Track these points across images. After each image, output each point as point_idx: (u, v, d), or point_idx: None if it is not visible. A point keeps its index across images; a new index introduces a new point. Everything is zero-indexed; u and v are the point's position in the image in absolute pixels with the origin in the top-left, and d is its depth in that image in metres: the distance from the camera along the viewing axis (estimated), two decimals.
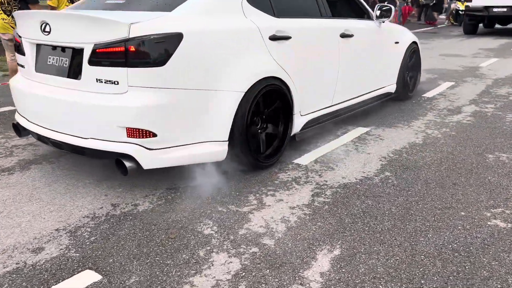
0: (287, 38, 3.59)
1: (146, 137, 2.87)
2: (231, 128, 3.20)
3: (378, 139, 4.32)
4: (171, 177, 3.37)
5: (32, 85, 3.31)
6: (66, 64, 3.06)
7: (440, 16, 20.04)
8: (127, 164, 2.89)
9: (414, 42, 5.77)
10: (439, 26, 18.37)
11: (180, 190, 3.20)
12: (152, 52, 2.80)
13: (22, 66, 3.44)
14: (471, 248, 2.51)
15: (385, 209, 2.94)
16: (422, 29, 16.48)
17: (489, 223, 2.77)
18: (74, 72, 3.02)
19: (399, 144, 4.18)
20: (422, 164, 3.70)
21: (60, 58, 3.10)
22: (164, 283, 2.22)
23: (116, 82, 2.83)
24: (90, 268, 2.34)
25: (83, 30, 2.91)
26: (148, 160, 2.93)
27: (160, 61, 2.82)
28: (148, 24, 2.83)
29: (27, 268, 2.35)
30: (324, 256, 2.43)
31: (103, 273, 2.30)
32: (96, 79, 2.89)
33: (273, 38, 3.47)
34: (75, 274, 2.29)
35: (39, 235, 2.65)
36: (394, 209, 2.94)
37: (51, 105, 3.13)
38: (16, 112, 3.61)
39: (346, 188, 3.26)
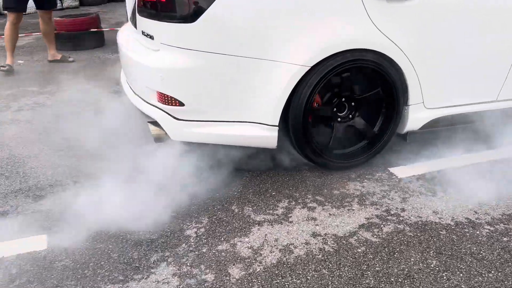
0: None
1: (173, 105, 2.46)
2: (284, 111, 2.48)
3: None
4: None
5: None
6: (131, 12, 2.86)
7: None
8: (153, 130, 2.58)
9: None
10: None
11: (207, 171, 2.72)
12: (180, 4, 2.31)
13: None
14: None
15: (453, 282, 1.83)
16: None
17: None
18: (133, 20, 2.80)
19: None
20: None
21: (130, 6, 2.92)
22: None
23: (151, 37, 2.48)
24: None
25: None
26: (176, 131, 2.53)
27: (189, 16, 2.31)
28: None
29: None
30: None
31: None
32: (142, 31, 2.60)
33: None
34: None
35: None
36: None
37: (123, 56, 3.00)
38: None
39: (421, 230, 2.17)
